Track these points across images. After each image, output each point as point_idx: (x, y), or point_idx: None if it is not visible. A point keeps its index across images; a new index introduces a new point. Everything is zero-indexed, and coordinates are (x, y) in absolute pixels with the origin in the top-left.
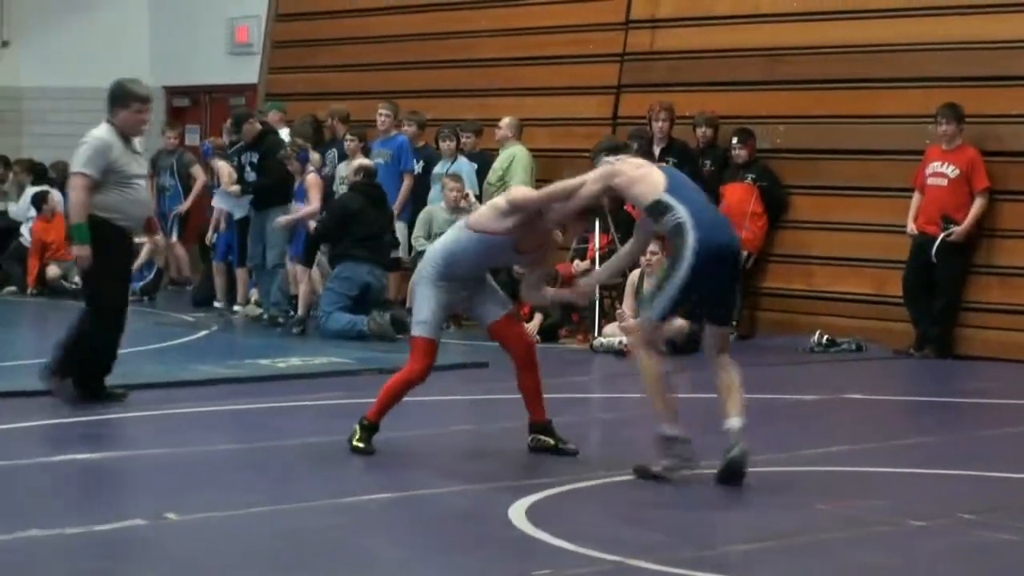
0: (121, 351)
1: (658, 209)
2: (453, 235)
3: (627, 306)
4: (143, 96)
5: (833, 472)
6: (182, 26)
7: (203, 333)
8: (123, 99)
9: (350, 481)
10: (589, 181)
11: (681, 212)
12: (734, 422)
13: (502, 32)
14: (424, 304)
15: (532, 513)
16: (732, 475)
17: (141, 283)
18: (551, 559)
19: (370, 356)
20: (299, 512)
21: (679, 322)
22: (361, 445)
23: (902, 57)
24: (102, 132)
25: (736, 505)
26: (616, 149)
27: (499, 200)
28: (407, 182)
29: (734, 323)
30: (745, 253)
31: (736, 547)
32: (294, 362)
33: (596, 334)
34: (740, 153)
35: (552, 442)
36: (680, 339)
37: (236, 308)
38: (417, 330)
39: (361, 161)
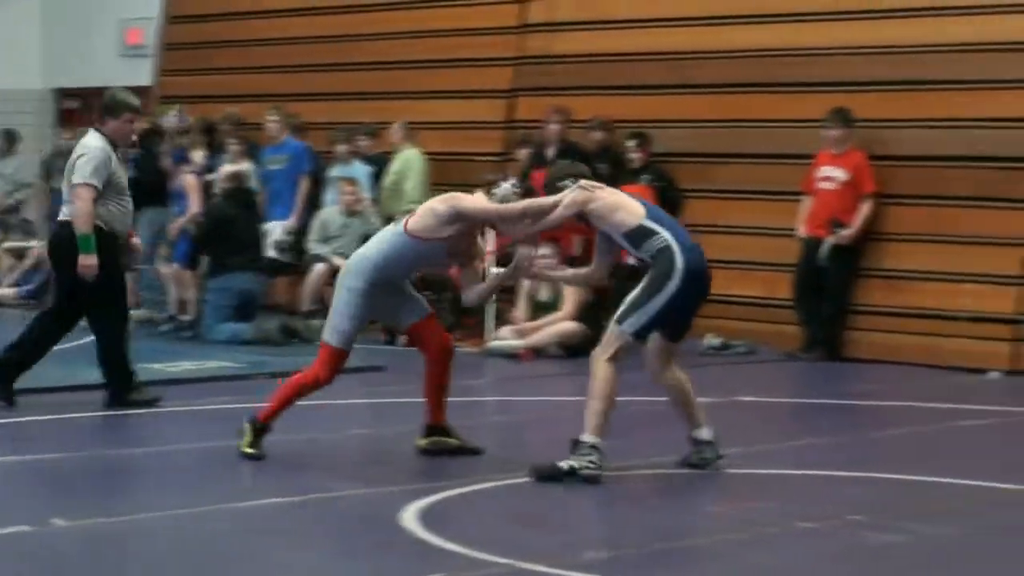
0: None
1: (641, 233)
2: (390, 240)
3: (521, 309)
4: (134, 107)
5: (726, 474)
6: (74, 28)
7: (93, 337)
8: (115, 109)
9: (244, 486)
10: (563, 206)
11: (667, 236)
12: (707, 432)
13: (397, 35)
14: (346, 312)
15: (426, 517)
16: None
17: (28, 287)
18: (444, 563)
19: (261, 360)
20: (192, 517)
21: (574, 325)
22: (251, 451)
23: (794, 62)
24: (99, 142)
25: (631, 508)
26: (578, 175)
27: (441, 207)
28: (304, 184)
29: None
30: None
31: (630, 550)
32: (186, 366)
33: (489, 338)
34: (636, 156)
35: (456, 442)
36: (574, 342)
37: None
38: (333, 338)
39: (233, 167)
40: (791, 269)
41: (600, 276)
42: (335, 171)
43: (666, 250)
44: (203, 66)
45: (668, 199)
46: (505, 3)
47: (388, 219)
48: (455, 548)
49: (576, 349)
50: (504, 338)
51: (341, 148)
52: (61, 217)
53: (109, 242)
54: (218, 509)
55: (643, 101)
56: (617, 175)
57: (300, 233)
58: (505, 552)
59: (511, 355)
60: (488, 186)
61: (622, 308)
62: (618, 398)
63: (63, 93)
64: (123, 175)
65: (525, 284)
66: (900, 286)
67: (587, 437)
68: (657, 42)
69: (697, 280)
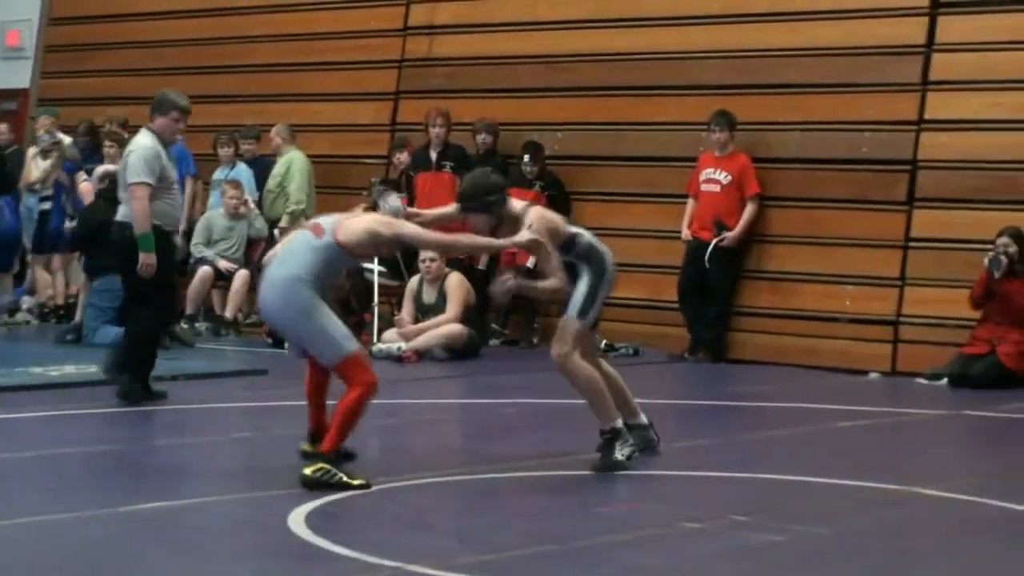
0: None
1: (571, 241)
2: (317, 252)
3: (406, 312)
4: (181, 106)
5: (612, 476)
6: None
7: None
8: (163, 107)
9: (126, 490)
10: (533, 228)
11: (586, 234)
12: (644, 417)
13: (280, 37)
14: (329, 321)
15: (311, 520)
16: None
17: None
18: (332, 566)
19: None
20: (74, 522)
21: (459, 327)
22: (357, 481)
23: (678, 65)
24: (149, 140)
25: (516, 510)
26: (503, 187)
27: (385, 232)
28: (189, 186)
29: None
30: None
31: (514, 552)
32: (68, 370)
33: (375, 340)
34: (532, 169)
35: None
36: (459, 344)
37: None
38: (350, 345)
39: (106, 168)
40: (675, 271)
41: (564, 283)
42: (218, 174)
43: (593, 246)
44: (84, 68)
45: (557, 204)
46: (391, 6)
47: (273, 222)
48: (342, 551)
49: (460, 351)
50: (389, 340)
51: (224, 151)
52: (120, 218)
53: (161, 239)
54: (101, 514)
55: (523, 104)
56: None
57: (186, 236)
58: (392, 555)
59: (396, 357)
60: (371, 207)
61: (578, 303)
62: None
63: None
64: (172, 172)
65: (410, 286)
66: (783, 288)
67: (613, 424)
68: (537, 45)
69: (614, 270)
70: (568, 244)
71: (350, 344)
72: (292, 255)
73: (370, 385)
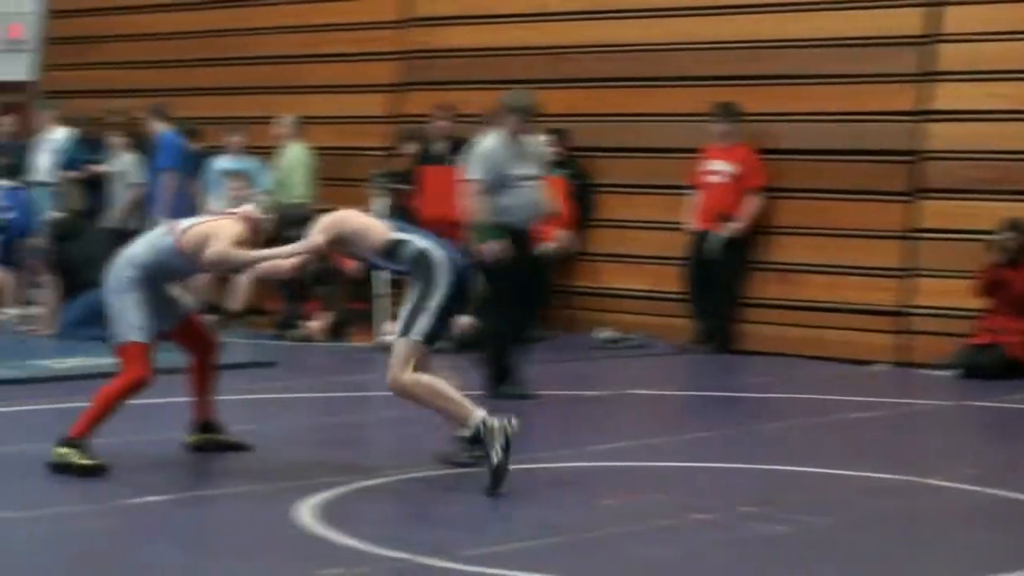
0: None
1: (393, 248)
2: (161, 249)
3: None
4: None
5: (619, 467)
6: None
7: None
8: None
9: (127, 483)
10: (316, 231)
11: (418, 241)
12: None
13: (283, 29)
14: (133, 308)
15: (320, 512)
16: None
17: None
18: (340, 558)
19: None
20: (72, 516)
21: (465, 319)
22: (87, 462)
23: (683, 56)
24: (493, 139)
25: (525, 501)
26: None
27: (212, 241)
28: (169, 180)
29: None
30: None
31: (524, 543)
32: (73, 363)
33: (380, 332)
34: (553, 151)
35: (225, 439)
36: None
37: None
38: (136, 335)
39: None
40: (680, 262)
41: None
42: (221, 165)
43: (424, 253)
44: (85, 61)
45: (582, 196)
46: None
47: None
48: (351, 543)
49: (467, 343)
50: (389, 333)
51: (231, 141)
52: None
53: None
54: (104, 507)
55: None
56: None
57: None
58: (400, 547)
59: None
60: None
61: (403, 319)
62: (449, 383)
63: None
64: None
65: None
66: (788, 279)
67: (469, 426)
68: (540, 36)
69: (460, 275)
70: (389, 251)
71: (138, 335)
72: (141, 241)
73: (137, 379)
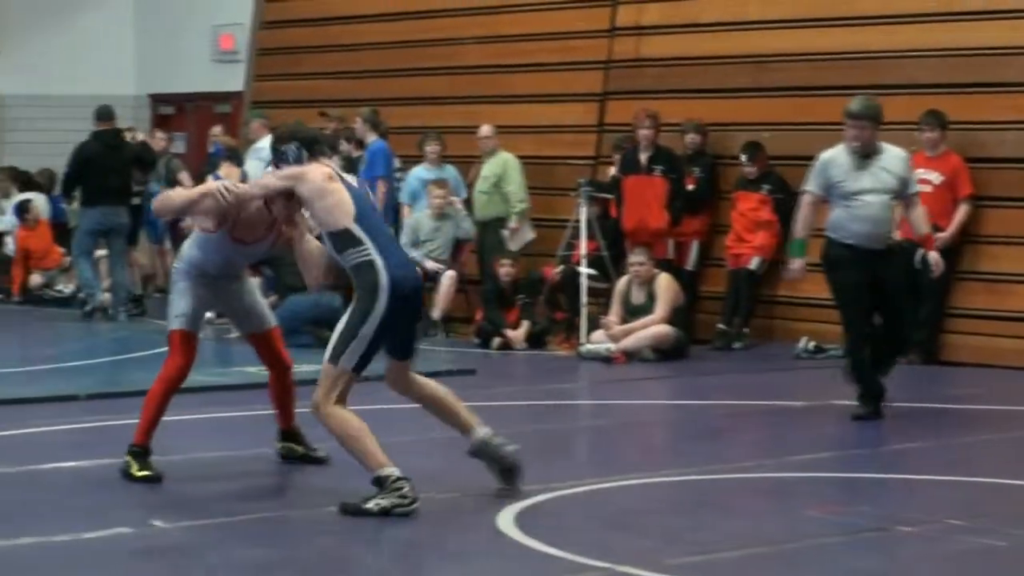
0: (107, 359)
1: (345, 240)
2: (194, 239)
3: (614, 313)
4: (847, 111)
5: (821, 478)
6: (166, 33)
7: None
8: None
9: (329, 490)
10: (278, 176)
11: (370, 249)
12: (485, 430)
13: (487, 39)
14: (180, 297)
15: (522, 520)
16: (515, 469)
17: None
18: (544, 566)
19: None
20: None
21: (667, 328)
22: (143, 473)
23: (887, 64)
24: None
25: (723, 511)
26: (306, 140)
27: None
28: (381, 187)
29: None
30: (758, 259)
31: (723, 553)
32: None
33: (583, 341)
34: (750, 170)
35: (301, 449)
36: (667, 345)
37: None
38: (176, 323)
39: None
40: None
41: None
42: (422, 173)
43: (367, 266)
44: (294, 71)
45: (784, 210)
46: (599, 6)
47: (484, 224)
48: (553, 552)
49: (669, 352)
50: (597, 341)
51: (431, 149)
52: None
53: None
54: (314, 513)
55: (731, 104)
56: (712, 179)
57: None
58: (601, 555)
59: (604, 358)
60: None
61: (332, 344)
62: (364, 425)
63: (157, 99)
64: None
65: (618, 287)
66: (998, 289)
67: (379, 473)
68: (744, 45)
69: (406, 298)
70: (342, 239)
71: (177, 322)
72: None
73: (174, 369)
